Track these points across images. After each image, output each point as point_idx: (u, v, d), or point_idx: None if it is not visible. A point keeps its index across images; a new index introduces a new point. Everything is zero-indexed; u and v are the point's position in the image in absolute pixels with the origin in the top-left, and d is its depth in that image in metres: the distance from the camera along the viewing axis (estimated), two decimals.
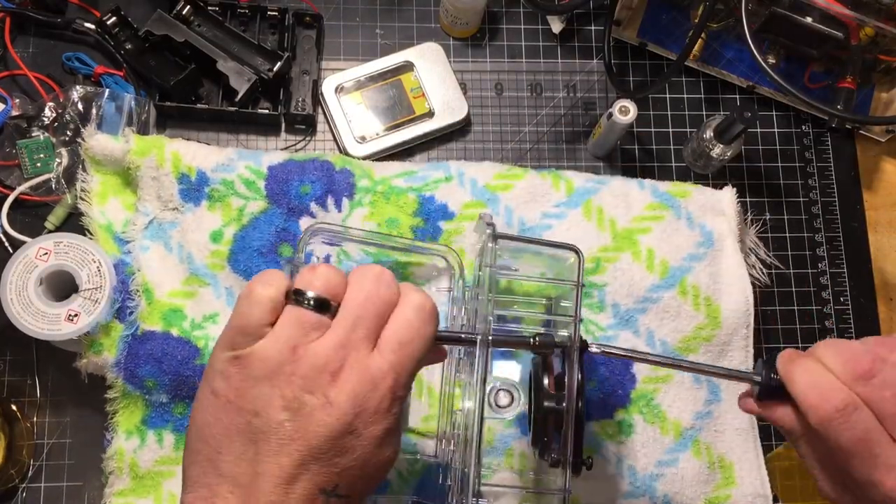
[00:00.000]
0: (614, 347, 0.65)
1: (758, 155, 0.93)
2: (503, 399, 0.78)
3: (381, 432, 0.53)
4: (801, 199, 0.92)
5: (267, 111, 0.87)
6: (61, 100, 0.83)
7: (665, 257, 0.83)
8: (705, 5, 0.81)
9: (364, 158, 0.86)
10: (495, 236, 0.67)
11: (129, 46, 0.86)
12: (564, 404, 0.64)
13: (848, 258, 0.91)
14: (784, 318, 0.88)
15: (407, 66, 0.89)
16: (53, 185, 0.82)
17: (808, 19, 0.85)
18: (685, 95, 0.93)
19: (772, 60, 0.91)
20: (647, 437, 0.80)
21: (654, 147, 0.92)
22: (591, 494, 0.79)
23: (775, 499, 0.83)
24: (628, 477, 0.79)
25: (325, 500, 0.51)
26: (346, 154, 0.86)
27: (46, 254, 0.74)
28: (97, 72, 0.86)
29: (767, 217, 0.90)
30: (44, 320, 0.73)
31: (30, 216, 0.83)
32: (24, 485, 0.78)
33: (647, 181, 0.86)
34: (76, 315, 0.74)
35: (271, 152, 0.83)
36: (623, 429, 0.80)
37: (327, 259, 0.80)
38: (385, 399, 0.53)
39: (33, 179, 0.82)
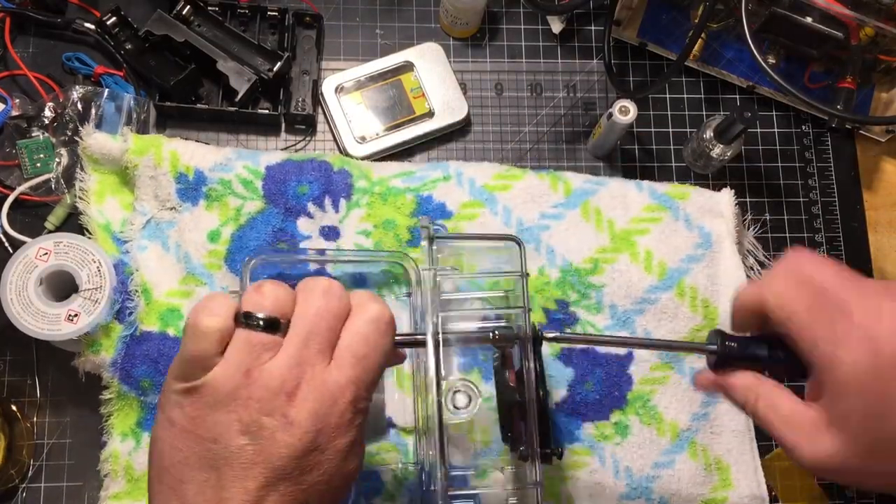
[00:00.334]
0: (569, 335, 0.65)
1: (758, 155, 0.92)
2: (461, 400, 0.77)
3: (345, 446, 0.52)
4: (801, 199, 0.92)
5: (267, 111, 0.87)
6: (61, 100, 0.84)
7: (663, 259, 0.83)
8: (705, 5, 0.80)
9: (364, 159, 0.86)
10: (431, 238, 0.67)
11: (129, 46, 0.86)
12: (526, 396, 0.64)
13: (848, 258, 0.91)
14: None
15: (407, 66, 0.89)
16: (53, 185, 0.82)
17: (808, 19, 0.85)
18: (685, 95, 0.93)
19: (772, 60, 0.91)
20: (644, 439, 0.80)
21: (654, 147, 0.92)
22: (587, 497, 0.79)
23: (775, 499, 0.83)
24: (625, 479, 0.79)
25: None
26: (346, 154, 0.86)
27: (46, 254, 0.74)
28: (97, 72, 0.86)
29: (767, 217, 0.90)
30: (44, 320, 0.73)
31: (30, 216, 0.83)
32: (24, 485, 0.79)
33: (646, 182, 0.86)
34: (76, 315, 0.74)
35: (269, 152, 0.83)
36: (619, 430, 0.80)
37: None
38: (346, 412, 0.52)
39: (33, 179, 0.82)
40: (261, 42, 0.87)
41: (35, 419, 0.80)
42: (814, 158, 0.93)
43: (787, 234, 0.90)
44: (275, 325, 0.52)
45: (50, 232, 0.82)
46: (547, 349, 0.81)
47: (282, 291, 0.53)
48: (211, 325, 0.51)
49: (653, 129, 0.92)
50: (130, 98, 0.85)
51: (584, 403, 0.80)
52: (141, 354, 0.76)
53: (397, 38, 0.92)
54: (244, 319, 0.52)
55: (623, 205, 0.84)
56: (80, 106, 0.83)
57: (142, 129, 0.85)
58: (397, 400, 0.79)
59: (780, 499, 0.84)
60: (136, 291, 0.77)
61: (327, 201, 0.81)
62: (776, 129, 0.93)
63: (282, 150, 0.87)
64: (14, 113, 0.83)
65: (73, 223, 0.83)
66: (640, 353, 0.82)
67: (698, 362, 0.82)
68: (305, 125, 0.89)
